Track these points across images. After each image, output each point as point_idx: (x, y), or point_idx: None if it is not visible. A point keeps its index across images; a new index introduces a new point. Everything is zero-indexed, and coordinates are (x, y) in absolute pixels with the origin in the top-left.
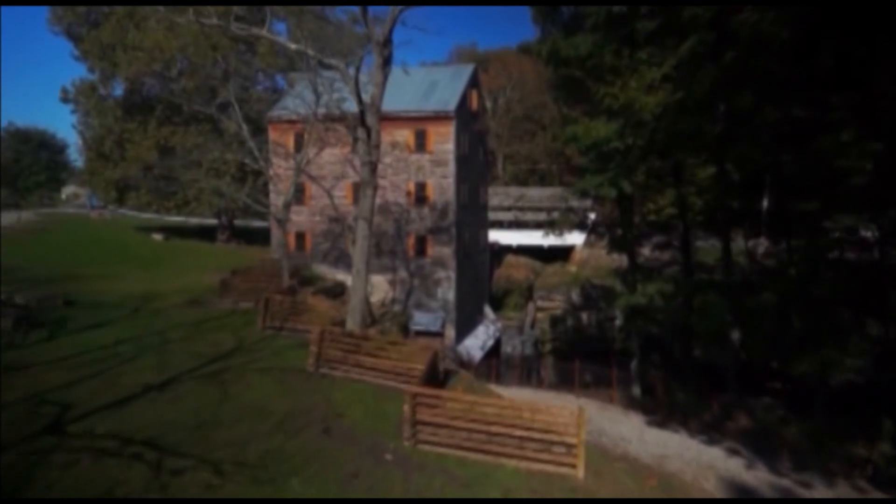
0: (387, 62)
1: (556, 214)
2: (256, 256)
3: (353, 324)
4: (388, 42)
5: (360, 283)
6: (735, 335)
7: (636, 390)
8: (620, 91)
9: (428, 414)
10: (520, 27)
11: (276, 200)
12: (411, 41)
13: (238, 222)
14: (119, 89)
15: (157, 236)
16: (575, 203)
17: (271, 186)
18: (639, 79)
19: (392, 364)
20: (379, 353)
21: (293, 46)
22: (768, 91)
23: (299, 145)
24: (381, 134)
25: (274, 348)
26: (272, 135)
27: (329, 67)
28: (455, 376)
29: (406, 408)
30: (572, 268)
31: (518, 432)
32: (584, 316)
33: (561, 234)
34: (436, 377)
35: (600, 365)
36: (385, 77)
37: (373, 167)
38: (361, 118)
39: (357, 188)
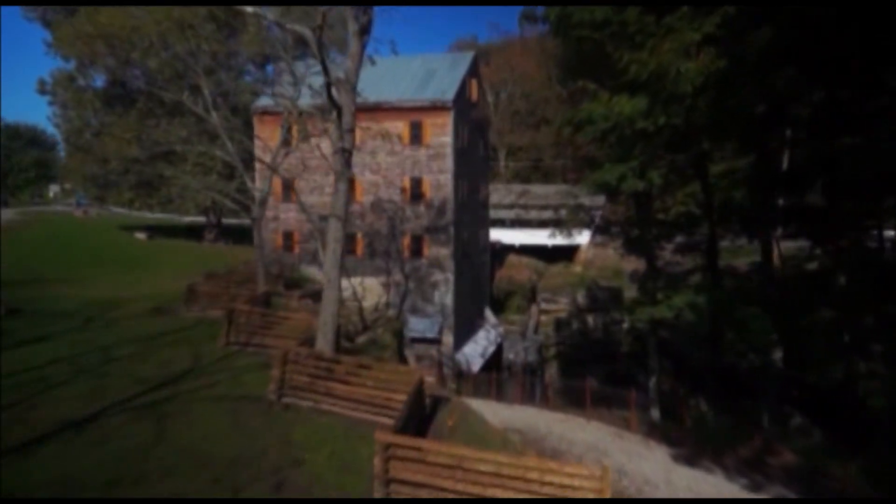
0: (364, 30)
1: (562, 212)
2: (242, 257)
3: (323, 343)
4: (366, 9)
5: (332, 295)
6: (777, 354)
7: (655, 413)
8: (650, 56)
9: (405, 470)
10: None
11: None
12: (409, 36)
13: (228, 221)
14: (99, 80)
15: (141, 235)
16: (585, 200)
17: (258, 183)
18: (675, 40)
19: (369, 393)
20: (353, 380)
21: (249, 9)
22: (831, 61)
23: (287, 137)
24: (356, 116)
25: (234, 370)
26: (258, 127)
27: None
28: (445, 405)
29: (377, 461)
30: (577, 268)
31: (523, 495)
32: (591, 319)
33: (570, 233)
34: (421, 409)
35: (606, 367)
36: (362, 48)
37: (346, 156)
38: (328, 94)
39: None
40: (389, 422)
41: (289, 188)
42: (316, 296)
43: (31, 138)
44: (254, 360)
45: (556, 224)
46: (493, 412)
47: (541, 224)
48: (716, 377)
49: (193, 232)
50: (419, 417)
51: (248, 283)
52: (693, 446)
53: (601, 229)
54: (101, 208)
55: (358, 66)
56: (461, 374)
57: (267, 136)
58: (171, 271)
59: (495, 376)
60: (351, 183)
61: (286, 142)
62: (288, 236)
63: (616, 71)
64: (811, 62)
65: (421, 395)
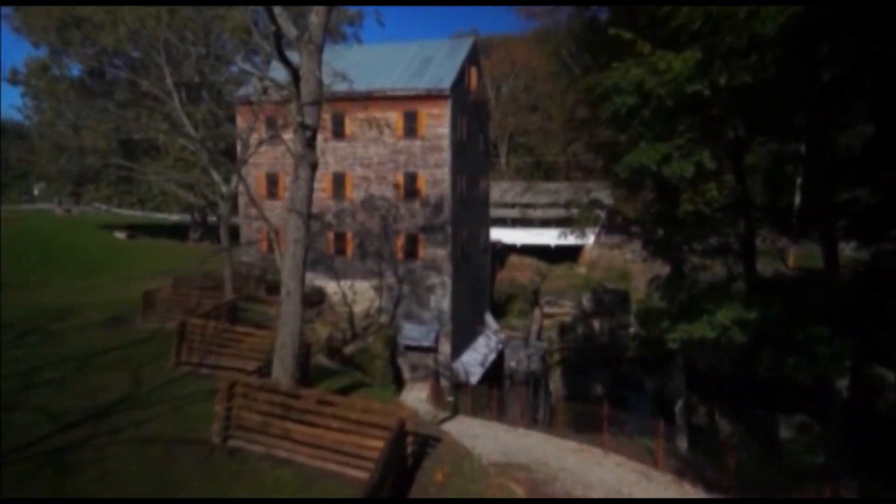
0: None
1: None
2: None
3: (280, 372)
4: None
5: (292, 311)
6: (843, 382)
7: (683, 443)
8: None
9: None
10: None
11: (244, 193)
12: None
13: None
14: (76, 69)
15: (120, 235)
16: (600, 195)
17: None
18: None
19: (336, 438)
20: (316, 420)
21: None
22: None
23: (273, 129)
24: (321, 87)
25: (177, 399)
26: (239, 119)
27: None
28: (434, 449)
29: None
30: (581, 269)
31: None
32: (596, 323)
33: (583, 232)
34: (402, 457)
35: (612, 372)
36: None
37: (308, 135)
38: (278, 50)
39: (338, 180)
40: (362, 474)
41: (273, 184)
42: (302, 300)
43: (19, 133)
44: (206, 385)
45: (560, 223)
46: (495, 438)
47: (543, 223)
48: (753, 399)
49: (179, 231)
50: (400, 468)
51: (220, 288)
52: (732, 489)
53: (619, 229)
54: (89, 206)
55: (325, 23)
56: (459, 386)
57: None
58: (144, 273)
59: (496, 392)
60: (342, 178)
61: (272, 136)
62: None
63: (653, 21)
64: None
65: (402, 443)
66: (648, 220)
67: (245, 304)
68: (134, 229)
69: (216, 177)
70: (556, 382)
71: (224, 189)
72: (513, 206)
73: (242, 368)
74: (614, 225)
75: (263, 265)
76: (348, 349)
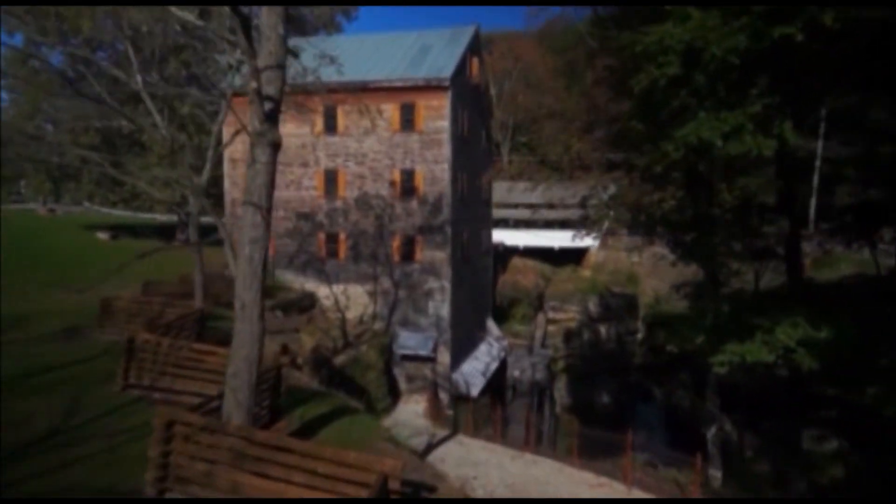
0: None
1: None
2: (212, 261)
3: (233, 407)
4: None
5: (248, 332)
6: None
7: (716, 474)
8: None
9: None
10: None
11: (233, 191)
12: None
13: (207, 220)
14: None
15: (103, 236)
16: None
17: (227, 175)
18: None
19: (300, 495)
20: (274, 472)
21: None
22: None
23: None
24: (285, 48)
25: (116, 435)
26: (225, 110)
27: None
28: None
29: None
30: (586, 272)
31: None
32: (603, 329)
33: (599, 232)
34: None
35: (619, 380)
36: None
37: (268, 107)
38: None
39: (329, 177)
40: None
41: None
42: (292, 306)
43: None
44: (154, 415)
45: (564, 224)
46: (499, 466)
47: (547, 224)
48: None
49: (167, 232)
50: None
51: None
52: None
53: (643, 226)
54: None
55: None
56: (459, 398)
57: (232, 120)
58: (118, 278)
59: (499, 409)
60: (334, 175)
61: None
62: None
63: None
64: None
65: (387, 496)
66: (679, 219)
67: (224, 311)
68: (119, 230)
69: (189, 170)
70: (560, 391)
71: (196, 180)
72: (515, 206)
73: (201, 393)
74: (637, 224)
75: None
76: (339, 359)
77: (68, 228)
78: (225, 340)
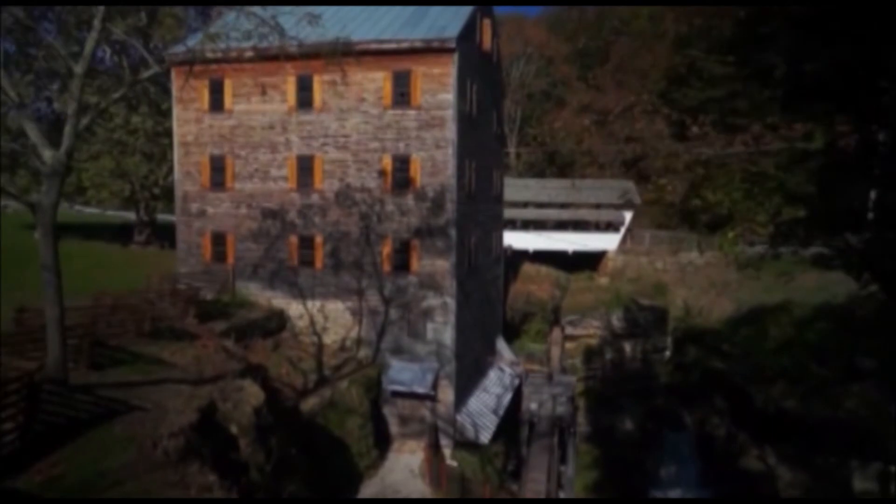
0: None
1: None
2: (167, 266)
3: None
4: None
5: None
6: None
7: None
8: None
9: None
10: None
11: (185, 183)
12: None
13: (167, 218)
14: None
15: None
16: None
17: (177, 160)
18: None
19: None
20: None
21: None
22: None
23: (218, 98)
24: None
25: None
26: (177, 83)
27: None
28: None
29: None
30: (603, 279)
31: None
32: (628, 346)
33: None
34: None
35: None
36: None
37: None
38: None
39: (304, 165)
40: None
41: (219, 170)
42: (255, 328)
43: None
44: None
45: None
46: None
47: (558, 226)
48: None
49: (124, 232)
50: None
51: (134, 311)
52: None
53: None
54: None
55: None
56: (466, 445)
57: (189, 97)
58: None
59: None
60: (309, 163)
61: (218, 102)
62: (219, 239)
63: None
64: None
65: None
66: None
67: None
68: (69, 230)
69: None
70: (578, 417)
71: (47, 156)
72: (524, 205)
73: None
74: (754, 234)
75: (208, 278)
76: (309, 403)
77: (6, 229)
78: None
